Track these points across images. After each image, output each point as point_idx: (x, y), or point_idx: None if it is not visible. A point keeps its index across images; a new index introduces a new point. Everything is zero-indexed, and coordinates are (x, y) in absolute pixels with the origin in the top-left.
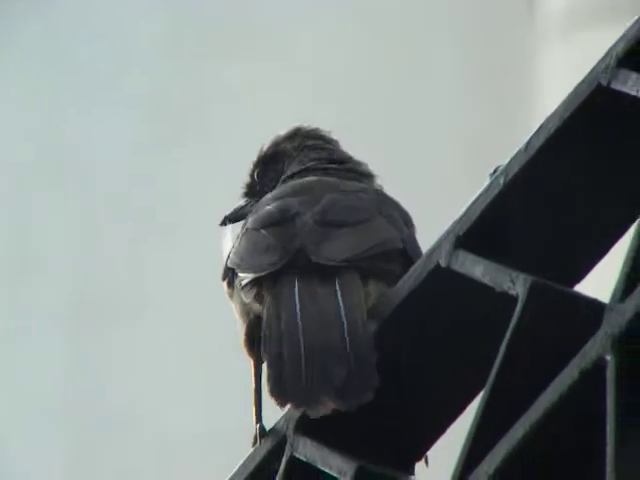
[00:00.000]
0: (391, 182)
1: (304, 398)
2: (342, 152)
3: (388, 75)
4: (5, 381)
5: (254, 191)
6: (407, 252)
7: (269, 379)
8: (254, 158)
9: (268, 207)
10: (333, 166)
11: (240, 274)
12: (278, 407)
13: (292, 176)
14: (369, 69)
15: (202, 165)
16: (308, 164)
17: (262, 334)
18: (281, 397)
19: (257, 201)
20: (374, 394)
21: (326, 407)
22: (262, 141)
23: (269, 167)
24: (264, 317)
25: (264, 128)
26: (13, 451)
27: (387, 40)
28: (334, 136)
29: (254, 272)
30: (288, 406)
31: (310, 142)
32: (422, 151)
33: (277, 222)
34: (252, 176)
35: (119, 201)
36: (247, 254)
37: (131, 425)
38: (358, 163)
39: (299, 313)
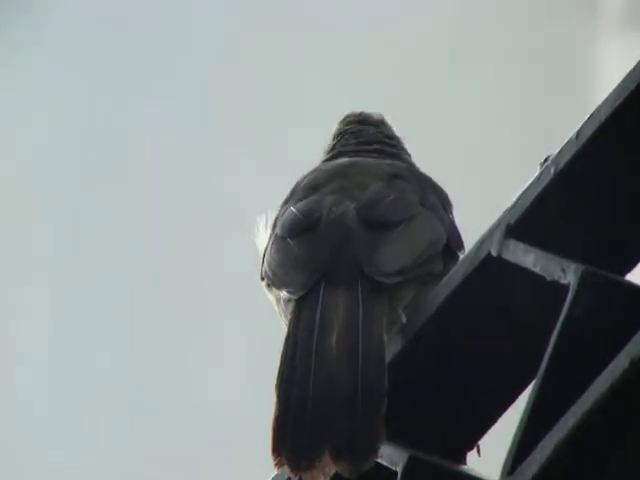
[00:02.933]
0: (442, 170)
1: (300, 456)
2: (379, 133)
3: (442, 60)
4: (62, 377)
5: None
6: (449, 243)
7: (271, 427)
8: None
9: (292, 210)
10: (360, 148)
11: (275, 290)
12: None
13: (328, 160)
14: (419, 54)
15: (254, 165)
16: (338, 149)
17: (278, 370)
18: (278, 451)
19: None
20: (375, 458)
21: (323, 471)
22: (316, 141)
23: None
24: (282, 350)
25: (318, 128)
26: (67, 441)
27: (440, 24)
28: (381, 117)
29: (287, 292)
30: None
31: (348, 127)
32: (474, 139)
33: (302, 230)
34: None
35: (169, 196)
36: (278, 268)
37: (195, 421)
38: (390, 141)
39: (314, 355)
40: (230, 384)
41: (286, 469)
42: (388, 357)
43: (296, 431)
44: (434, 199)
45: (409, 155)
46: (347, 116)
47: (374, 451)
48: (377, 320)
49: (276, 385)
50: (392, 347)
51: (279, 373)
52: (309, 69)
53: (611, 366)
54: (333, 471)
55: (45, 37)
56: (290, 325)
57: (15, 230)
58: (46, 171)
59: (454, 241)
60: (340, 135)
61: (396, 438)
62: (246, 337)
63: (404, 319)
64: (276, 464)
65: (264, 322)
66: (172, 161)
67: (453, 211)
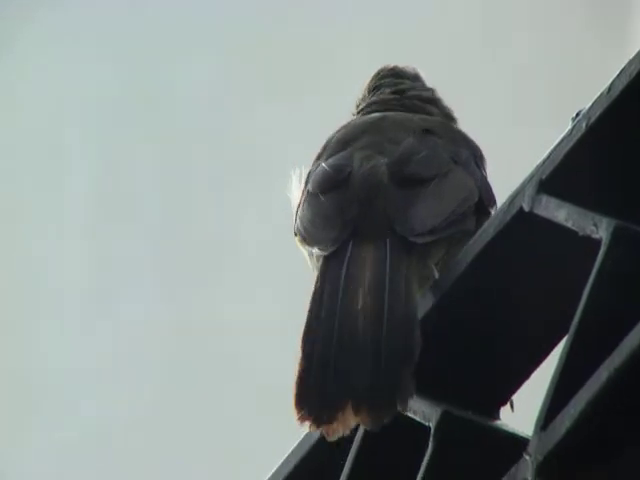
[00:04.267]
0: (474, 125)
1: (322, 410)
2: (412, 84)
3: (476, 16)
4: (101, 332)
5: None
6: (481, 199)
7: (294, 382)
8: None
9: (323, 165)
10: (395, 97)
11: (307, 246)
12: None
13: (360, 112)
14: (455, 13)
15: (286, 117)
16: (370, 100)
17: (304, 325)
18: (301, 406)
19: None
20: (404, 407)
21: (344, 424)
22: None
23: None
24: (309, 304)
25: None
26: (109, 397)
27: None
28: (415, 71)
29: (318, 248)
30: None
31: (382, 81)
32: (507, 93)
33: (333, 186)
34: None
35: (207, 145)
36: (309, 224)
37: (230, 374)
38: (424, 89)
39: (338, 312)
40: (263, 335)
41: (308, 423)
42: (421, 312)
43: (318, 386)
44: (467, 155)
45: (447, 105)
46: (380, 70)
47: (394, 404)
48: (405, 276)
49: (301, 340)
50: (424, 303)
51: (304, 328)
52: (342, 37)
53: None
54: (354, 424)
55: None
56: (317, 281)
57: (49, 182)
58: (78, 122)
59: (486, 197)
60: (375, 89)
61: (429, 394)
62: (279, 288)
63: (437, 274)
64: (299, 418)
65: (298, 275)
66: (204, 113)
67: (486, 166)
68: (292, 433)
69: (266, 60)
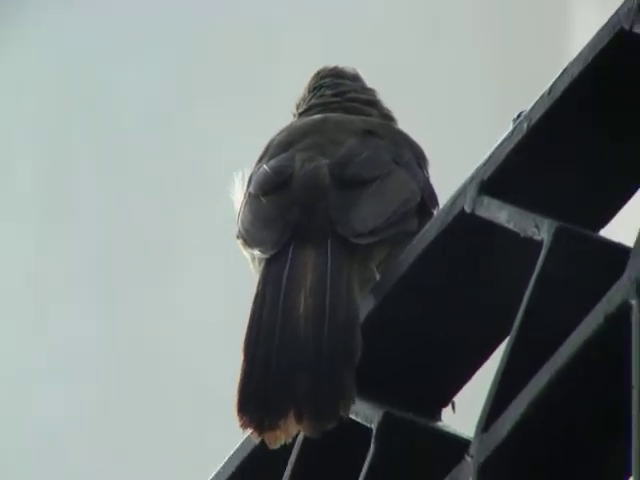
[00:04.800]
0: (415, 126)
1: (263, 417)
2: (352, 85)
3: (416, 15)
4: (40, 336)
5: None
6: (424, 200)
7: (237, 387)
8: None
9: (265, 167)
10: (336, 99)
11: (248, 248)
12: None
13: (301, 115)
14: (398, 11)
15: (236, 116)
16: (311, 102)
17: (245, 330)
18: (243, 412)
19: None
20: (346, 414)
21: (286, 432)
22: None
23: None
24: (250, 310)
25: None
26: (49, 401)
27: None
28: (355, 71)
29: (259, 251)
30: (248, 430)
31: (323, 81)
32: (448, 94)
33: (274, 188)
34: None
35: (148, 147)
36: (250, 226)
37: (169, 376)
38: (364, 91)
39: (280, 316)
40: (206, 336)
41: (249, 430)
42: (362, 313)
43: (260, 392)
44: (409, 156)
45: (386, 107)
46: (320, 70)
47: (337, 412)
48: (346, 279)
49: (243, 344)
50: (365, 304)
51: (246, 333)
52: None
53: (585, 322)
54: (296, 431)
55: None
56: (258, 285)
57: None
58: (30, 118)
59: (429, 198)
60: (315, 89)
61: (371, 395)
62: (226, 292)
63: (377, 276)
64: (241, 425)
65: (241, 278)
66: (155, 112)
67: (429, 167)
68: (235, 434)
69: (204, 62)
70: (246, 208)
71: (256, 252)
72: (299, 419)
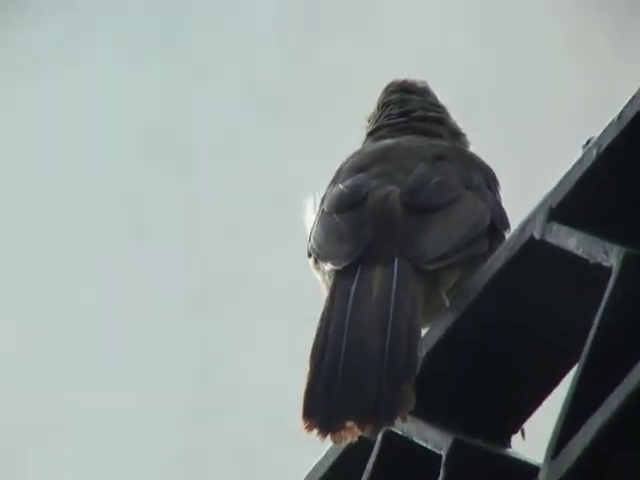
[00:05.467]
0: (487, 150)
1: (329, 418)
2: (424, 101)
3: (489, 39)
4: (118, 358)
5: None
6: (494, 222)
7: (303, 393)
8: None
9: (340, 186)
10: (402, 119)
11: (321, 262)
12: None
13: (371, 135)
14: (469, 35)
15: (303, 148)
16: (379, 123)
17: (313, 340)
18: (308, 416)
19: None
20: (403, 418)
21: (351, 432)
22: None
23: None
24: (318, 322)
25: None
26: (126, 425)
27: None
28: (425, 84)
29: (332, 264)
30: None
31: (390, 97)
32: (520, 121)
33: (349, 206)
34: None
35: (220, 177)
36: (323, 241)
37: (242, 402)
38: (431, 107)
39: (347, 322)
40: (276, 367)
41: (315, 432)
42: (433, 339)
43: (326, 397)
44: (479, 179)
45: (454, 122)
46: (390, 85)
47: (395, 418)
48: (411, 296)
49: (310, 354)
50: (436, 331)
51: (314, 343)
52: (357, 50)
53: None
54: (359, 434)
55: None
56: (327, 299)
57: (66, 208)
58: (97, 157)
59: (499, 220)
60: (384, 105)
61: (441, 421)
62: (300, 313)
63: (447, 303)
64: (306, 427)
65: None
66: (221, 136)
67: (500, 189)
68: None
69: (283, 84)
70: (319, 225)
71: (328, 265)
72: (362, 422)
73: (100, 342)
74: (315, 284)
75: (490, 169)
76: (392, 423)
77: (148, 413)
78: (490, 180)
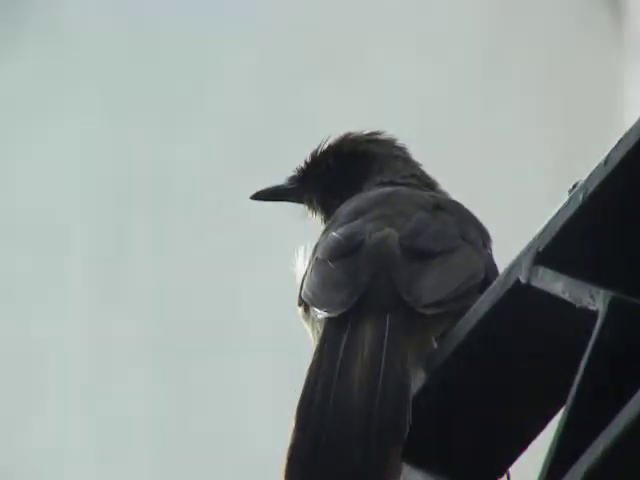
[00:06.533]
0: (471, 196)
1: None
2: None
3: (471, 89)
4: (96, 405)
5: (305, 176)
6: (487, 278)
7: (287, 453)
8: (314, 147)
9: (334, 234)
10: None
11: (314, 309)
12: None
13: (381, 184)
14: (450, 84)
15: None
16: (397, 177)
17: (300, 395)
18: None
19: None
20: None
21: None
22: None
23: (349, 163)
24: (306, 376)
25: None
26: (111, 474)
27: (470, 57)
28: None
29: (327, 311)
30: None
31: (398, 152)
32: (503, 165)
33: (344, 253)
34: (310, 163)
35: (208, 221)
36: (317, 289)
37: (225, 450)
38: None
39: (334, 386)
40: (259, 416)
41: None
42: (419, 382)
43: (309, 461)
44: (475, 233)
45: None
46: (385, 135)
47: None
48: (402, 353)
49: (296, 411)
50: (421, 375)
51: (300, 399)
52: (330, 99)
53: None
54: None
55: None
56: (315, 353)
57: (46, 261)
58: (78, 200)
59: (492, 276)
60: (391, 157)
61: (427, 465)
62: (279, 369)
63: (435, 345)
64: None
65: (298, 355)
66: (202, 188)
67: (491, 245)
68: None
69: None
70: (313, 273)
71: (322, 313)
72: None
73: (79, 388)
74: (302, 333)
75: (483, 226)
76: None
77: (127, 461)
78: (484, 236)
